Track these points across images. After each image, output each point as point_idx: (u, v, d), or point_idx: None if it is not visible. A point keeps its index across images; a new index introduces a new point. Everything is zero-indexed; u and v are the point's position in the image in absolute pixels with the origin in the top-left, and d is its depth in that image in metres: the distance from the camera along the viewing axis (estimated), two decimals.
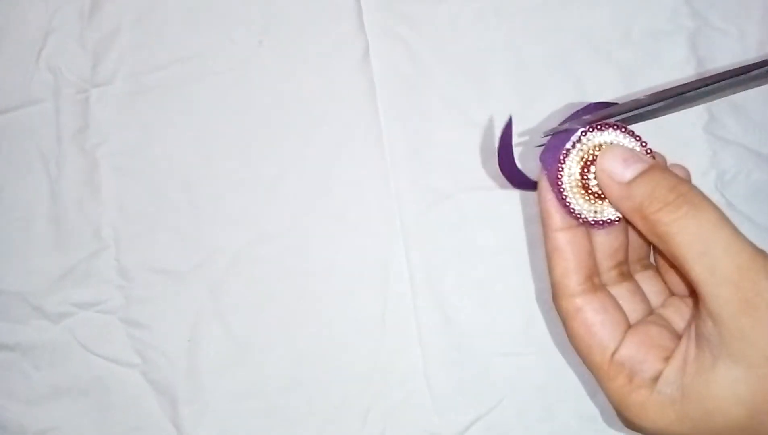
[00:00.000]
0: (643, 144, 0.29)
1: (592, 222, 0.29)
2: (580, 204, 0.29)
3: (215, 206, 0.44)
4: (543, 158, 0.30)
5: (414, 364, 0.43)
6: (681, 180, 0.27)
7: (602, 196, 0.29)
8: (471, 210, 0.43)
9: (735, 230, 0.25)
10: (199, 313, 0.43)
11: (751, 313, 0.24)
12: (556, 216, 0.29)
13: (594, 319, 0.29)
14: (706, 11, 0.43)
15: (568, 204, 0.29)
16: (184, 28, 0.45)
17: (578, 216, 0.29)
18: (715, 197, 0.42)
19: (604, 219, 0.29)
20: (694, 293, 0.26)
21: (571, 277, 0.29)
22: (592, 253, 0.30)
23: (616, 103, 0.30)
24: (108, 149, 0.44)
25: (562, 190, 0.29)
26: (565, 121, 0.30)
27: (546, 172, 0.29)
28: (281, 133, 0.44)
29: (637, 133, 0.29)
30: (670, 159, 0.42)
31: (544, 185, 0.30)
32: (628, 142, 0.29)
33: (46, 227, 0.44)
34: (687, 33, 0.43)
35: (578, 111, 0.30)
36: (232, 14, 0.45)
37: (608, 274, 0.30)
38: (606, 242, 0.30)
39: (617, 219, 0.29)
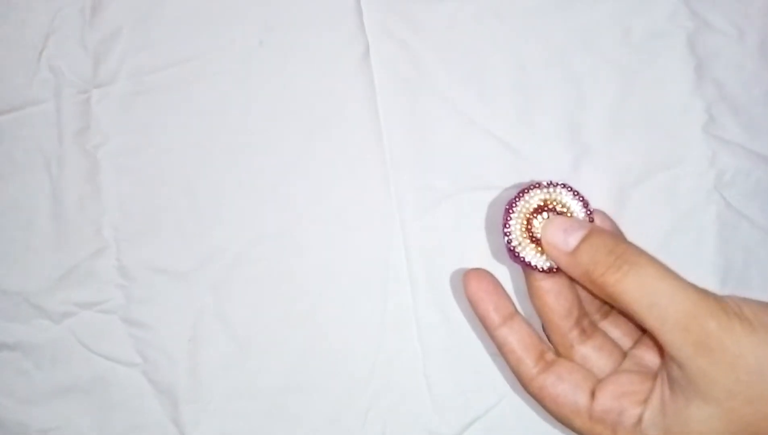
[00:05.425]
0: (584, 202, 0.31)
1: (546, 270, 0.31)
2: (531, 255, 0.31)
3: (216, 206, 0.44)
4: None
5: (414, 364, 0.43)
6: (618, 241, 0.29)
7: None
8: (471, 210, 0.43)
9: (677, 278, 0.27)
10: (200, 313, 0.43)
11: (706, 354, 0.26)
12: (493, 316, 0.32)
13: (556, 390, 0.31)
14: (705, 12, 0.43)
15: (521, 257, 0.31)
16: (185, 28, 0.45)
17: (531, 266, 0.31)
18: (714, 197, 0.42)
19: (554, 266, 0.31)
20: (657, 341, 0.28)
21: (525, 363, 0.32)
22: (533, 333, 0.32)
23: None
24: (109, 149, 0.44)
25: (511, 245, 0.31)
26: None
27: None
28: (281, 134, 0.44)
29: (576, 189, 0.32)
30: (669, 159, 0.42)
31: (473, 291, 0.33)
32: (568, 198, 0.31)
33: (47, 227, 0.44)
34: (686, 33, 0.43)
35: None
36: (232, 14, 0.45)
37: (571, 334, 0.32)
38: (557, 306, 0.32)
39: None
